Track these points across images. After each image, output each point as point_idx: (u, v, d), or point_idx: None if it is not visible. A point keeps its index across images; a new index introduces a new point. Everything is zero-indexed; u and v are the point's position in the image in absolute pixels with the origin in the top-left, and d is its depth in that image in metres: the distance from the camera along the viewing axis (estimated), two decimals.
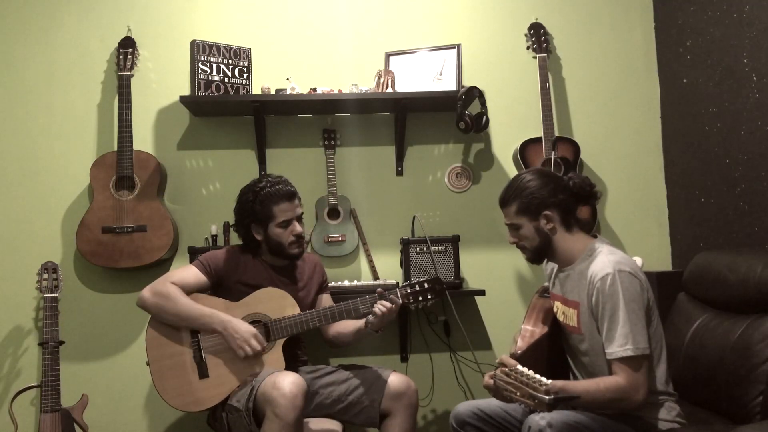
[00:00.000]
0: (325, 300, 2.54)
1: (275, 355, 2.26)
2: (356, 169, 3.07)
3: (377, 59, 3.05)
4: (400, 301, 2.29)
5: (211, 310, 2.26)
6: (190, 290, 2.31)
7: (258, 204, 2.35)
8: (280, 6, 3.10)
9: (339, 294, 2.68)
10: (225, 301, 2.32)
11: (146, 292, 2.30)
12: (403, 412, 2.27)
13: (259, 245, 2.43)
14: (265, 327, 2.28)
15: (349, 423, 2.34)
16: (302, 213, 2.44)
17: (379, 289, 2.31)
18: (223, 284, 2.37)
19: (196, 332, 2.28)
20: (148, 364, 2.26)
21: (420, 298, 2.32)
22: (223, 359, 2.25)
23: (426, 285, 2.34)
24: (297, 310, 2.32)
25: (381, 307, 2.25)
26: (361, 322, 2.34)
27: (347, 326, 2.41)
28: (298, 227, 2.39)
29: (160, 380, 2.25)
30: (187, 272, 2.35)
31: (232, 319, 2.24)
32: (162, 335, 2.28)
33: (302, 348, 2.52)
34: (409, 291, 2.32)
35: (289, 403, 1.98)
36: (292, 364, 2.32)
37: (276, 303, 2.32)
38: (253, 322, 2.29)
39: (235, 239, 2.91)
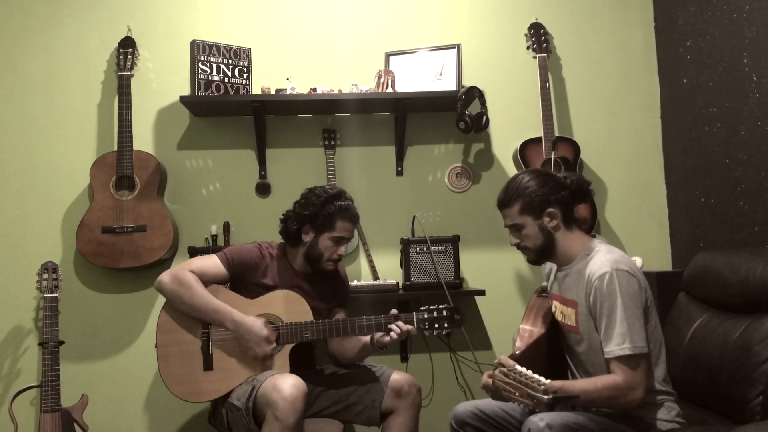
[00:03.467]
0: (341, 315, 2.49)
1: (281, 359, 2.24)
2: (356, 169, 3.06)
3: (377, 59, 3.05)
4: (415, 327, 2.26)
5: (225, 306, 2.24)
6: (208, 280, 2.28)
7: (327, 209, 2.33)
8: (280, 6, 3.10)
9: None
10: (240, 298, 2.30)
11: (165, 277, 2.27)
12: (406, 411, 2.27)
13: (297, 245, 2.40)
14: (276, 330, 2.26)
15: (349, 423, 2.34)
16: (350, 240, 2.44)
17: (393, 310, 2.27)
18: (242, 280, 2.35)
19: (208, 323, 2.27)
20: (156, 346, 2.26)
21: (436, 326, 2.28)
22: (231, 354, 2.24)
23: (445, 313, 2.29)
24: (310, 317, 2.28)
25: (396, 329, 2.23)
26: (366, 339, 2.32)
27: (353, 343, 2.38)
28: (343, 250, 2.39)
29: (165, 365, 2.24)
30: (208, 261, 2.33)
31: (245, 319, 2.22)
32: (174, 321, 2.27)
33: (314, 354, 2.50)
34: (426, 317, 2.28)
35: (289, 406, 1.98)
36: (302, 370, 2.27)
37: (290, 307, 2.29)
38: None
39: (234, 239, 2.92)
